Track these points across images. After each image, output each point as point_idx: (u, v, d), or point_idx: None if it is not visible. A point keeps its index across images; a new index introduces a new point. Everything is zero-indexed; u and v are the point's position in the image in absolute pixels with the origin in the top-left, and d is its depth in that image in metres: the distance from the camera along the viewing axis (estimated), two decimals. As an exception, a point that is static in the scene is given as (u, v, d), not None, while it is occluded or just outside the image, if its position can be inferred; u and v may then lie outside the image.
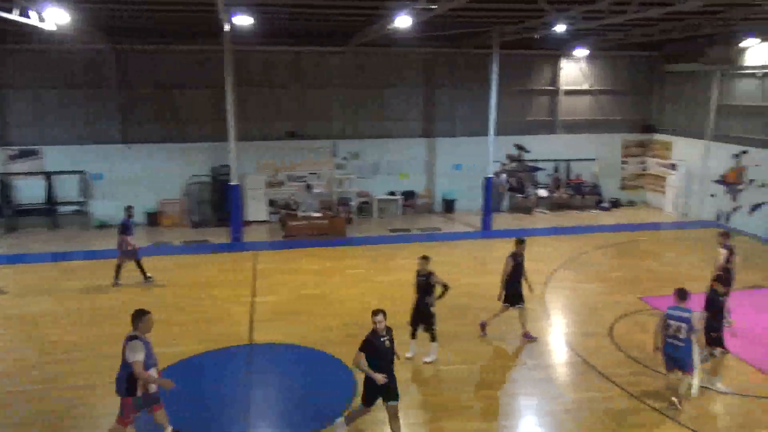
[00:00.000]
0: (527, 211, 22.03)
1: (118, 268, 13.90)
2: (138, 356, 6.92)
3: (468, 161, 21.29)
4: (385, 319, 7.53)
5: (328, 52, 20.29)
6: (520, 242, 10.97)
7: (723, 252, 11.30)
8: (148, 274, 14.13)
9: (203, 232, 18.89)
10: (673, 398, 8.68)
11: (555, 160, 22.84)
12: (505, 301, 10.92)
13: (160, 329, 11.18)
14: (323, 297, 13.30)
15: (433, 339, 10.13)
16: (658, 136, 23.30)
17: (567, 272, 15.02)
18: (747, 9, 13.73)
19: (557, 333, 11.59)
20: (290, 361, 10.31)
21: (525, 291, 11.00)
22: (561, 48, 21.60)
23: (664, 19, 15.40)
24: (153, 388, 7.26)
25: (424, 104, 21.60)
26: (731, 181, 19.68)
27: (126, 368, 7.00)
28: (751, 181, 18.88)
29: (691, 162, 21.42)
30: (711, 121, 20.44)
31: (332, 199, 20.57)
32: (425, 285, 9.86)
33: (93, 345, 10.79)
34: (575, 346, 10.93)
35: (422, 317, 9.99)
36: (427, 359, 10.16)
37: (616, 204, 23.07)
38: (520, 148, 22.33)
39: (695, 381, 8.69)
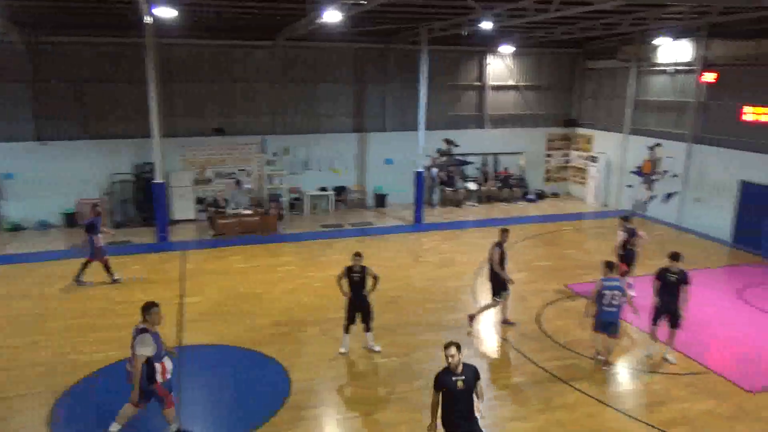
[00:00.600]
0: (457, 204, 22.44)
1: (106, 267, 13.62)
2: (144, 350, 7.02)
3: (399, 155, 21.46)
4: (460, 353, 6.29)
5: (257, 46, 19.90)
6: (504, 231, 11.29)
7: (621, 234, 12.39)
8: (84, 279, 13.61)
9: (126, 233, 18.09)
10: (600, 357, 9.89)
11: (483, 154, 23.36)
12: (502, 288, 11.24)
13: (83, 335, 10.81)
14: (254, 296, 13.06)
15: (368, 329, 10.24)
16: (580, 130, 24.27)
17: (496, 263, 15.38)
18: (660, 9, 14.49)
19: (488, 322, 11.87)
20: (220, 362, 10.06)
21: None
22: (488, 45, 22.07)
23: (584, 17, 16.04)
24: (168, 376, 7.36)
25: (355, 99, 21.57)
26: (647, 172, 20.77)
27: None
28: (665, 171, 19.99)
29: (610, 154, 22.46)
30: (628, 115, 21.49)
31: (262, 196, 20.23)
32: (360, 280, 9.95)
33: (11, 354, 10.15)
34: (505, 334, 11.24)
35: (362, 310, 10.11)
36: (378, 347, 10.32)
37: (541, 195, 23.88)
38: (449, 142, 22.70)
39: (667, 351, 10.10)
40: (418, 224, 19.51)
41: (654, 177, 20.47)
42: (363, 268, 9.93)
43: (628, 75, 21.35)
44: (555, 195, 24.40)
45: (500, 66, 23.14)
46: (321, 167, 21.25)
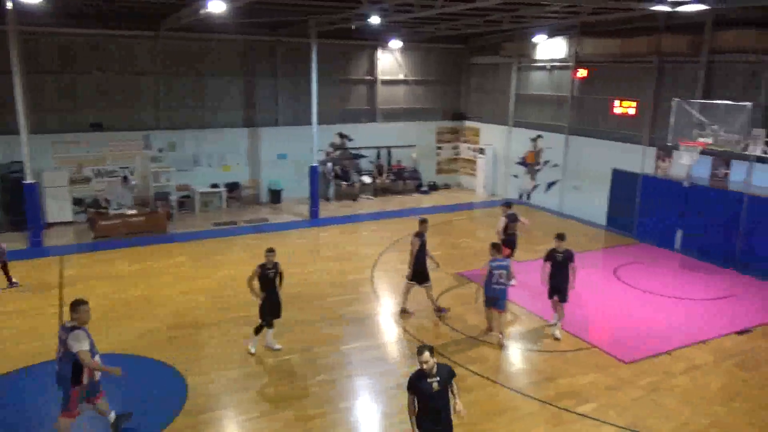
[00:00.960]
0: (353, 197, 22.55)
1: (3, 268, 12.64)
2: (83, 345, 6.87)
3: (292, 150, 21.17)
4: (433, 356, 6.02)
5: (137, 36, 18.76)
6: (423, 222, 11.48)
7: (502, 219, 13.36)
8: (14, 280, 12.77)
9: (-6, 239, 16.51)
10: (493, 333, 10.58)
11: (377, 147, 23.63)
12: (412, 279, 11.45)
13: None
14: (144, 299, 12.39)
15: (271, 326, 10.10)
16: (467, 123, 25.19)
17: (392, 254, 15.65)
18: (538, 8, 15.32)
19: (386, 312, 12.05)
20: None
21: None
22: (378, 39, 22.31)
23: (468, 14, 16.62)
24: (98, 376, 7.22)
25: (246, 93, 20.97)
26: (530, 163, 21.98)
27: (70, 359, 6.87)
28: (546, 162, 21.26)
29: (496, 146, 23.52)
30: (511, 108, 22.61)
31: (148, 195, 19.15)
32: (275, 276, 9.84)
33: None
34: (403, 324, 11.46)
35: (276, 309, 9.99)
36: (278, 346, 10.18)
37: (434, 187, 24.56)
38: (343, 136, 22.73)
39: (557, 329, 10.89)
40: (314, 219, 19.38)
41: (537, 167, 21.70)
42: (276, 264, 9.81)
43: (511, 70, 22.45)
44: (447, 186, 25.18)
45: (390, 60, 23.47)
46: (211, 163, 20.50)
